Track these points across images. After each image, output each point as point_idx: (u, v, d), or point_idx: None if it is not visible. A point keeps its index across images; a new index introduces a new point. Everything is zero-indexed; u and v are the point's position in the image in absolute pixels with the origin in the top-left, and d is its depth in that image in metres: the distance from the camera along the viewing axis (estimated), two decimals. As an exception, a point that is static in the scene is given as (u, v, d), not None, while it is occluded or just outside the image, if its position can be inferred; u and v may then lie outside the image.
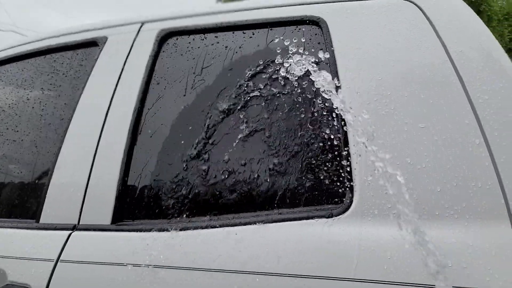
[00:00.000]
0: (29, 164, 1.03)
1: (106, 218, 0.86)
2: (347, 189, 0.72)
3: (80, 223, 0.87)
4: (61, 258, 0.84)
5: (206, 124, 0.86)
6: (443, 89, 0.71)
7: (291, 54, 0.85)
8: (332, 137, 0.77)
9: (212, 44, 0.96)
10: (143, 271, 0.76)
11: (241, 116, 0.85)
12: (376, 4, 0.85)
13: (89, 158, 0.91)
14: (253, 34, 0.93)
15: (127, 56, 0.99)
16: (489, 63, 0.72)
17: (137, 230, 0.82)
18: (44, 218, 0.92)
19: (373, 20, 0.82)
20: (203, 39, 0.98)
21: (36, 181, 1.00)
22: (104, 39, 1.06)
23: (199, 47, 0.97)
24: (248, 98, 0.86)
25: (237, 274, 0.70)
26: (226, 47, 0.94)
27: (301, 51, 0.85)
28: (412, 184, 0.67)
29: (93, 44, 1.08)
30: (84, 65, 1.06)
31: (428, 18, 0.78)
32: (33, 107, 1.09)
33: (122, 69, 0.98)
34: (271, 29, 0.91)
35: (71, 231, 0.87)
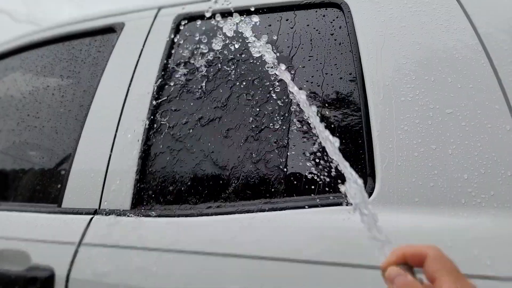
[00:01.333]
0: (50, 150, 1.05)
1: (125, 203, 0.87)
2: (369, 176, 0.70)
3: (100, 208, 0.89)
4: (83, 242, 0.85)
5: (224, 111, 0.86)
6: (472, 72, 0.68)
7: (312, 38, 0.83)
8: (353, 123, 0.75)
9: (228, 29, 0.94)
10: (161, 255, 0.76)
11: (260, 103, 0.83)
12: (400, -16, 0.81)
13: (108, 144, 0.92)
14: (273, 17, 0.91)
15: (145, 42, 0.99)
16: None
17: (155, 215, 0.83)
18: (66, 203, 0.94)
19: (397, 1, 0.79)
20: (220, 24, 0.96)
21: (58, 167, 1.02)
22: (122, 25, 1.06)
23: (217, 32, 0.96)
24: (267, 84, 0.84)
25: (256, 260, 0.69)
26: (244, 32, 0.92)
27: (323, 35, 0.83)
28: (437, 171, 0.65)
29: (111, 30, 1.08)
30: (102, 52, 1.06)
31: (457, -2, 0.75)
32: (53, 94, 1.10)
33: (140, 55, 0.98)
34: (293, 13, 0.88)
35: (92, 216, 0.88)
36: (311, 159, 0.76)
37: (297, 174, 0.76)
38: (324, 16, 0.86)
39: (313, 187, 0.74)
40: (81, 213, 0.90)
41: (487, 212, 0.62)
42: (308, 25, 0.86)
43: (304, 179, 0.75)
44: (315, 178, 0.74)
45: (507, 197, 0.61)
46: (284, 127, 0.80)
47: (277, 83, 0.83)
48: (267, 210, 0.74)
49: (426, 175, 0.65)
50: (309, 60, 0.83)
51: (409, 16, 0.77)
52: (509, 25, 0.71)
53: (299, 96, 0.59)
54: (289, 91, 0.67)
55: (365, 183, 0.70)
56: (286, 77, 0.64)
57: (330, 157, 0.56)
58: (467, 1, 0.74)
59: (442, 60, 0.71)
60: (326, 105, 0.78)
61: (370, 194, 0.68)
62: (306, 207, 0.71)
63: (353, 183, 0.50)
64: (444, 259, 0.39)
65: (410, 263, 0.41)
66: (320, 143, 0.75)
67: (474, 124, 0.65)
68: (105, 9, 1.12)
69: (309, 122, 0.68)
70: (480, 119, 0.65)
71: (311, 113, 0.57)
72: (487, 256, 0.58)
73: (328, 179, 0.73)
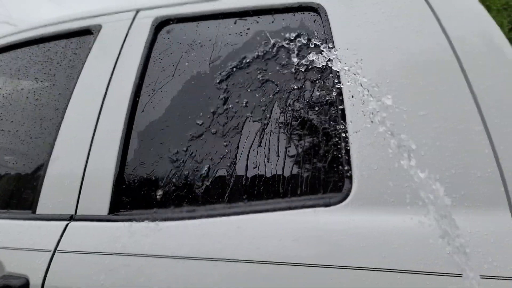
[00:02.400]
0: (24, 155, 1.02)
1: (103, 208, 0.85)
2: (346, 177, 0.71)
3: (77, 214, 0.87)
4: (58, 249, 0.83)
5: (203, 113, 0.85)
6: (444, 75, 0.70)
7: (289, 42, 0.84)
8: (330, 125, 0.76)
9: (209, 32, 0.94)
10: (140, 261, 0.75)
11: (238, 105, 0.84)
12: (375, -11, 0.83)
13: (85, 148, 0.90)
14: (251, 21, 0.91)
15: (122, 45, 0.98)
16: (490, 49, 0.71)
17: (134, 220, 0.82)
18: (40, 209, 0.91)
19: (372, 7, 0.81)
20: (199, 27, 0.96)
21: (32, 172, 0.99)
22: (99, 27, 1.04)
23: (195, 35, 0.95)
24: (246, 86, 0.85)
25: (235, 263, 0.69)
26: (223, 34, 0.92)
27: (300, 38, 0.84)
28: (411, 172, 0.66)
29: (87, 32, 1.06)
30: (78, 54, 1.04)
31: (427, 3, 0.77)
32: (27, 97, 1.07)
33: (117, 58, 0.96)
34: (271, 16, 0.89)
35: (68, 222, 0.86)
36: (295, 161, 0.76)
37: (282, 176, 0.77)
38: (301, 20, 0.87)
39: (296, 188, 0.74)
40: (56, 219, 0.88)
41: (459, 212, 0.63)
42: (285, 29, 0.86)
43: (288, 181, 0.76)
44: (300, 179, 0.75)
45: (477, 196, 0.64)
46: (267, 129, 0.80)
47: (256, 84, 0.84)
48: (250, 213, 0.74)
49: (400, 176, 0.67)
50: (286, 63, 0.83)
51: (383, 21, 0.78)
52: (478, 29, 0.74)
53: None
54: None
55: (342, 184, 0.71)
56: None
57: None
58: (438, 7, 0.76)
59: (415, 64, 0.73)
60: (303, 107, 0.79)
61: (346, 196, 0.69)
62: (291, 208, 0.72)
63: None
64: None
65: None
66: (301, 145, 0.75)
67: (445, 125, 0.67)
68: (82, 11, 1.10)
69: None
70: (451, 121, 0.67)
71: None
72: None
73: (312, 181, 0.74)
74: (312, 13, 0.86)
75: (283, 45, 0.85)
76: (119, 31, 1.01)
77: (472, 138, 0.66)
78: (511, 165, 0.63)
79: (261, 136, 0.80)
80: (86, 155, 0.89)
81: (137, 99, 0.91)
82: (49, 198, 0.91)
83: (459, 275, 0.58)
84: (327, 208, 0.69)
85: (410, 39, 0.75)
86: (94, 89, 0.95)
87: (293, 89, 0.81)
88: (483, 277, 0.58)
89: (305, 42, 0.83)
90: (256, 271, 0.68)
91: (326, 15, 0.83)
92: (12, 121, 1.07)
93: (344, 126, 0.73)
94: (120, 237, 0.80)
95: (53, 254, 0.83)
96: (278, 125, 0.79)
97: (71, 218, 0.87)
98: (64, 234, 0.85)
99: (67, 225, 0.86)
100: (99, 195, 0.86)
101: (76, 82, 0.98)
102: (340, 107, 0.75)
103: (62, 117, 0.96)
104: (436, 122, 0.68)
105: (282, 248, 0.68)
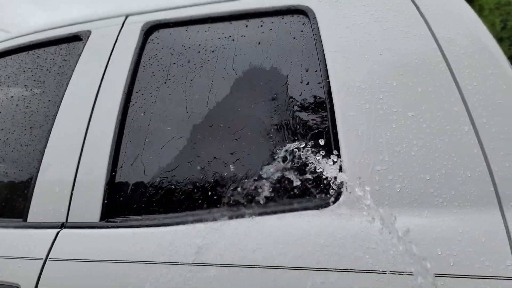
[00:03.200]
0: (14, 163, 1.01)
1: (94, 215, 0.84)
2: (336, 180, 0.71)
3: (68, 221, 0.86)
4: (49, 257, 0.82)
5: (194, 118, 0.85)
6: (432, 76, 0.71)
7: (278, 45, 0.84)
8: (320, 127, 0.76)
9: (199, 36, 0.94)
10: (132, 268, 0.75)
11: (228, 110, 0.83)
12: (363, -9, 0.83)
13: (75, 155, 0.89)
14: (240, 25, 0.91)
15: (112, 50, 0.97)
16: (477, 50, 0.71)
17: (126, 227, 0.81)
18: (31, 217, 0.90)
19: (361, 8, 0.81)
20: (189, 31, 0.96)
21: (23, 180, 0.98)
22: (88, 33, 1.04)
23: (185, 39, 0.95)
24: (235, 90, 0.84)
25: (227, 268, 0.69)
26: (212, 38, 0.92)
27: (289, 41, 0.84)
28: (401, 173, 0.67)
29: (77, 38, 1.05)
30: (68, 60, 1.03)
31: (415, 5, 0.77)
32: (17, 105, 1.06)
33: (107, 64, 0.96)
34: (260, 20, 0.89)
35: (59, 229, 0.86)
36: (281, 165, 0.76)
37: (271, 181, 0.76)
38: (290, 22, 0.87)
39: (286, 192, 0.74)
40: (47, 227, 0.87)
41: (449, 212, 0.63)
42: (274, 32, 0.86)
43: (277, 185, 0.76)
44: (288, 183, 0.74)
45: (468, 196, 0.64)
46: (255, 134, 0.80)
47: (249, 88, 0.84)
48: (240, 217, 0.74)
49: (391, 177, 0.67)
50: (276, 66, 0.83)
51: (372, 23, 0.79)
52: (466, 30, 0.74)
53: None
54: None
55: (332, 187, 0.71)
56: None
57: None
58: (426, 8, 0.77)
59: (403, 65, 0.73)
60: (294, 110, 0.79)
61: (337, 199, 0.69)
62: (280, 212, 0.72)
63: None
64: None
65: None
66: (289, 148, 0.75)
67: (434, 126, 0.68)
68: (70, 17, 1.10)
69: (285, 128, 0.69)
70: (440, 121, 0.68)
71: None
72: (450, 254, 0.60)
73: (303, 183, 0.73)
74: (301, 16, 0.86)
75: (271, 49, 0.85)
76: (109, 37, 1.00)
77: (461, 138, 0.66)
78: (500, 165, 0.64)
79: (253, 141, 0.79)
80: (77, 162, 0.89)
81: (128, 104, 0.91)
82: (40, 206, 0.90)
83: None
84: (318, 211, 0.69)
85: (399, 40, 0.75)
86: (84, 96, 0.95)
87: (285, 91, 0.81)
88: (475, 277, 0.58)
89: (294, 44, 0.83)
90: (250, 275, 0.67)
91: (315, 17, 0.83)
92: (2, 129, 1.06)
93: (335, 130, 0.73)
94: (112, 243, 0.80)
95: (45, 262, 0.82)
96: (269, 127, 0.79)
97: (62, 225, 0.86)
98: (55, 242, 0.84)
99: (58, 232, 0.85)
100: (90, 202, 0.85)
101: (66, 89, 0.98)
102: (329, 111, 0.75)
103: (52, 124, 0.95)
104: (425, 123, 0.68)
105: (271, 252, 0.68)
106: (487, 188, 0.63)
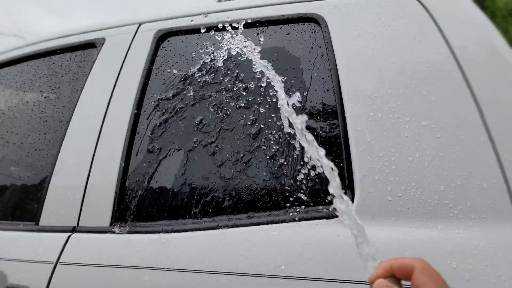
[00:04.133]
0: (28, 167, 1.03)
1: (105, 220, 0.85)
2: (347, 188, 0.70)
3: (79, 225, 0.87)
4: (60, 260, 0.83)
5: (204, 125, 0.85)
6: (446, 85, 0.70)
7: (291, 52, 0.84)
8: (332, 136, 0.75)
9: (210, 44, 0.95)
10: (141, 273, 0.75)
11: (239, 117, 0.83)
12: (375, 0, 0.83)
13: (87, 160, 0.91)
14: (252, 32, 0.92)
15: (125, 57, 0.99)
16: (492, 58, 0.70)
17: (135, 232, 0.82)
18: (43, 221, 0.91)
19: (372, 16, 0.81)
20: (200, 39, 0.97)
21: (36, 184, 1.00)
22: (102, 41, 1.06)
23: (197, 47, 0.96)
24: (246, 97, 0.85)
25: (234, 276, 0.68)
26: (224, 46, 0.93)
27: (300, 49, 0.84)
28: (414, 183, 0.65)
29: (91, 45, 1.07)
30: (82, 67, 1.05)
31: (429, 12, 0.76)
32: (32, 110, 1.09)
33: (120, 70, 0.97)
34: (268, 28, 0.90)
35: (70, 233, 0.86)
36: (285, 172, 0.76)
37: (274, 189, 0.76)
38: (302, 30, 0.87)
39: (291, 201, 0.74)
40: (58, 231, 0.88)
41: (465, 224, 0.62)
42: (286, 39, 0.87)
43: (281, 194, 0.75)
44: (294, 192, 0.74)
45: (484, 208, 0.62)
46: (261, 143, 0.80)
47: (260, 96, 0.84)
48: (250, 225, 0.73)
49: (404, 188, 0.65)
50: (288, 73, 0.83)
51: (383, 31, 0.78)
52: (480, 38, 0.73)
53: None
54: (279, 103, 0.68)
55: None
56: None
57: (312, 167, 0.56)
58: (439, 15, 0.76)
59: (416, 73, 0.72)
60: (305, 118, 0.79)
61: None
62: (285, 221, 0.71)
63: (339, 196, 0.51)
64: (431, 272, 0.39)
65: (398, 276, 0.41)
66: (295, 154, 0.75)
67: (448, 136, 0.66)
68: (85, 24, 1.12)
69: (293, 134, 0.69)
70: (454, 131, 0.66)
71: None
72: (465, 268, 0.58)
73: (315, 192, 0.73)
74: (312, 24, 0.86)
75: (284, 56, 0.85)
76: (122, 44, 1.02)
77: (476, 148, 0.64)
78: (517, 176, 0.62)
79: (262, 149, 0.79)
80: (89, 167, 0.90)
81: (140, 111, 0.92)
82: (52, 210, 0.91)
83: None
84: (329, 221, 0.68)
85: (411, 48, 0.75)
86: (97, 101, 0.96)
87: (295, 98, 0.81)
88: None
89: (307, 52, 0.83)
90: (253, 285, 0.66)
91: (327, 25, 0.83)
92: (17, 133, 1.09)
93: (346, 138, 0.72)
94: (122, 248, 0.80)
95: (55, 266, 0.83)
96: (280, 138, 0.79)
97: (74, 229, 0.87)
98: (66, 245, 0.85)
99: (69, 236, 0.86)
100: (101, 207, 0.86)
101: (80, 95, 0.99)
102: (341, 120, 0.74)
103: (66, 129, 0.97)
104: (439, 132, 0.67)
105: (283, 262, 0.67)
106: (504, 199, 0.61)
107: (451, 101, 0.68)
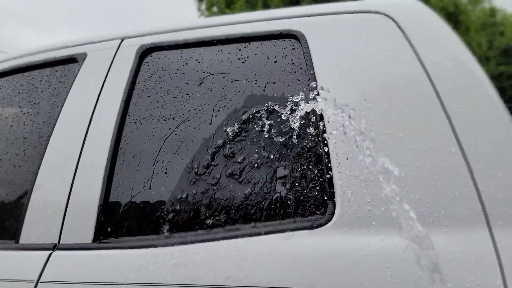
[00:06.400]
0: (7, 184, 1.00)
1: (87, 236, 0.84)
2: (329, 199, 0.72)
3: (60, 243, 0.85)
4: (41, 279, 0.81)
5: (187, 141, 0.86)
6: (419, 99, 0.73)
7: (271, 68, 0.86)
8: (312, 148, 0.77)
9: (193, 59, 0.97)
10: (125, 290, 0.74)
11: (223, 132, 0.85)
12: (352, 18, 0.87)
13: (69, 176, 0.89)
14: (233, 48, 0.94)
15: (107, 73, 0.99)
16: (462, 73, 0.74)
17: (119, 248, 0.81)
18: (23, 239, 0.89)
19: (350, 34, 0.84)
20: (183, 54, 0.98)
21: (15, 201, 0.97)
22: (84, 56, 1.05)
23: (179, 62, 0.97)
24: (229, 113, 0.86)
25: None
26: (207, 62, 0.94)
27: (281, 65, 0.86)
28: (391, 193, 0.68)
29: (72, 60, 1.07)
30: (63, 82, 1.04)
31: (402, 31, 0.80)
32: (11, 126, 1.07)
33: (102, 86, 0.97)
34: (249, 44, 0.92)
35: (51, 251, 0.85)
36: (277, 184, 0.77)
37: (265, 199, 0.77)
38: (282, 47, 0.90)
39: (279, 213, 0.75)
40: (39, 249, 0.86)
41: (439, 231, 0.65)
42: (266, 55, 0.89)
43: (271, 204, 0.76)
44: (289, 202, 0.75)
45: (456, 215, 0.65)
46: (252, 153, 0.81)
47: (242, 112, 0.85)
48: (233, 238, 0.74)
49: (382, 198, 0.68)
50: (268, 89, 0.86)
51: (361, 47, 0.82)
52: (450, 54, 0.77)
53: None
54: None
55: (325, 207, 0.72)
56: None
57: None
58: (412, 34, 0.80)
59: (391, 88, 0.76)
60: (286, 133, 0.81)
61: (330, 219, 0.70)
62: (274, 232, 0.72)
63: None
64: None
65: None
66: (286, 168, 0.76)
67: (422, 147, 0.70)
68: (67, 39, 1.11)
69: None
70: (428, 142, 0.70)
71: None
72: (441, 273, 0.61)
73: (297, 203, 0.74)
74: (292, 40, 0.89)
75: (264, 75, 0.87)
76: (104, 59, 1.02)
77: (448, 159, 0.68)
78: (487, 184, 0.65)
79: (245, 162, 0.81)
80: (70, 183, 0.89)
81: (122, 126, 0.92)
82: (32, 227, 0.89)
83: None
84: (311, 231, 0.70)
85: (387, 64, 0.78)
86: (78, 117, 0.95)
87: (277, 113, 0.83)
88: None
89: (286, 68, 0.86)
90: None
91: (306, 42, 0.86)
92: (-5, 150, 1.06)
93: (327, 153, 0.75)
94: (105, 265, 0.79)
95: (36, 285, 0.81)
96: (262, 151, 0.81)
97: (55, 247, 0.85)
98: (47, 264, 0.83)
99: (50, 254, 0.84)
100: (83, 223, 0.85)
101: (60, 110, 0.98)
102: (321, 134, 0.77)
103: (46, 145, 0.95)
104: (414, 144, 0.70)
105: (265, 273, 0.68)
106: (475, 207, 0.65)
107: (425, 115, 0.72)
